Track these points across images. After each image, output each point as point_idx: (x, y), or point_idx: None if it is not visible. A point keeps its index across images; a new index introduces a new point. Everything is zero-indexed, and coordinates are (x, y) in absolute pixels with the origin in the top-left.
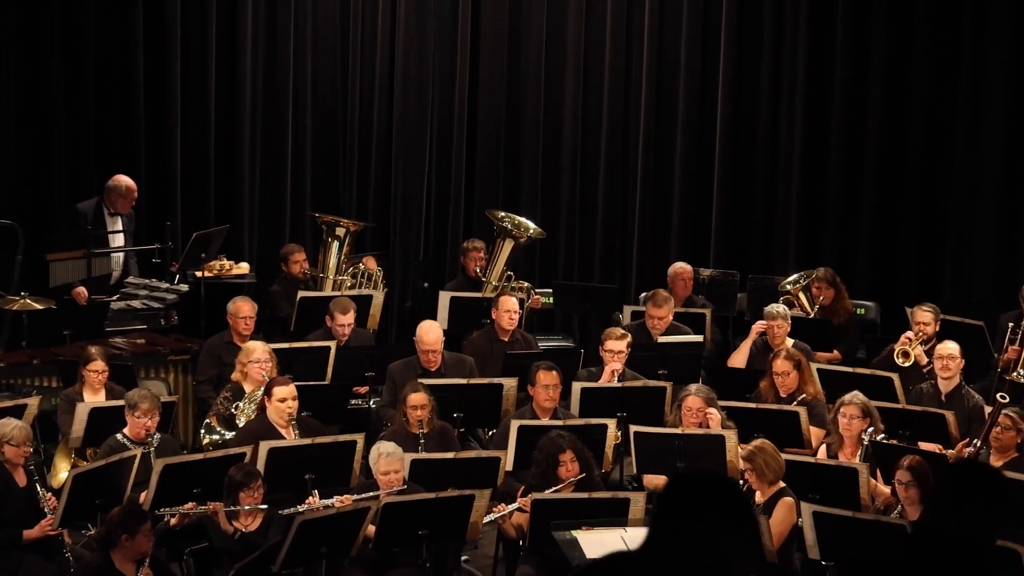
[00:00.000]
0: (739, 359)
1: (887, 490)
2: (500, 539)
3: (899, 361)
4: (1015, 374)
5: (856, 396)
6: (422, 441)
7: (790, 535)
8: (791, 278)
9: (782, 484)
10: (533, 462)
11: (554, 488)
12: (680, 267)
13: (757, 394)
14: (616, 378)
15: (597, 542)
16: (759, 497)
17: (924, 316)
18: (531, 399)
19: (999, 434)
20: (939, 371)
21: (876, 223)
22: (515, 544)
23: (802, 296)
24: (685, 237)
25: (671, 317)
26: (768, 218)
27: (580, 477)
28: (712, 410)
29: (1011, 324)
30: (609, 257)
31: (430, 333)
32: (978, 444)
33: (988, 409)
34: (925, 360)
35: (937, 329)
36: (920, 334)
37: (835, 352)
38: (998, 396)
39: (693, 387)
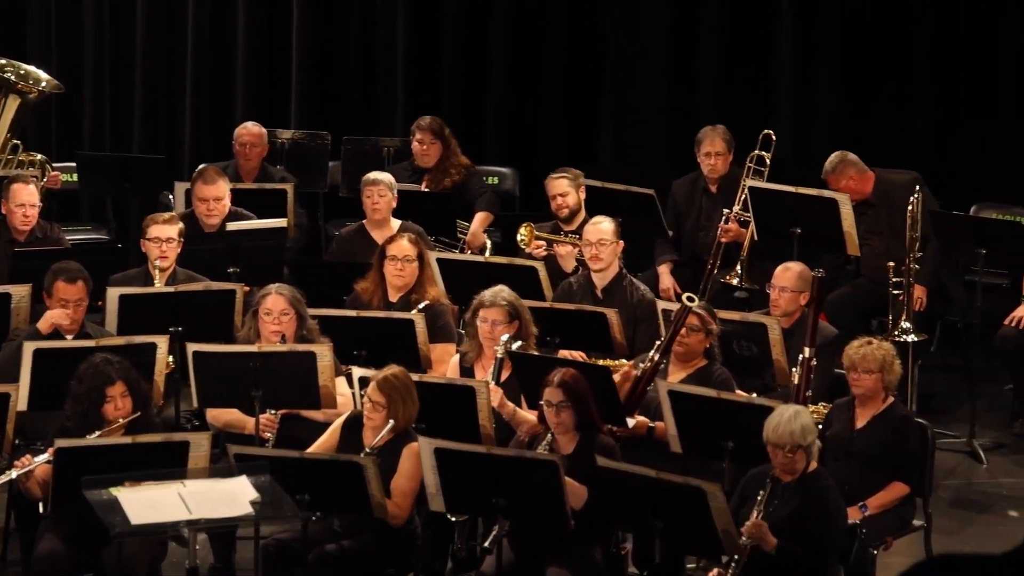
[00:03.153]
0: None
1: (531, 416)
2: (15, 503)
3: (528, 250)
4: (732, 275)
5: (499, 295)
6: None
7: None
8: None
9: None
10: (70, 396)
11: (99, 432)
12: (248, 129)
13: (355, 297)
14: (165, 280)
15: (146, 502)
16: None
17: (558, 185)
18: None
19: (683, 337)
20: (589, 260)
21: (510, 69)
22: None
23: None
24: (255, 91)
25: (228, 201)
26: (367, 65)
27: (134, 417)
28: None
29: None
30: (152, 118)
31: None
32: (655, 358)
33: (661, 305)
34: (568, 250)
35: (583, 197)
36: (563, 209)
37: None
38: (684, 297)
39: (273, 287)
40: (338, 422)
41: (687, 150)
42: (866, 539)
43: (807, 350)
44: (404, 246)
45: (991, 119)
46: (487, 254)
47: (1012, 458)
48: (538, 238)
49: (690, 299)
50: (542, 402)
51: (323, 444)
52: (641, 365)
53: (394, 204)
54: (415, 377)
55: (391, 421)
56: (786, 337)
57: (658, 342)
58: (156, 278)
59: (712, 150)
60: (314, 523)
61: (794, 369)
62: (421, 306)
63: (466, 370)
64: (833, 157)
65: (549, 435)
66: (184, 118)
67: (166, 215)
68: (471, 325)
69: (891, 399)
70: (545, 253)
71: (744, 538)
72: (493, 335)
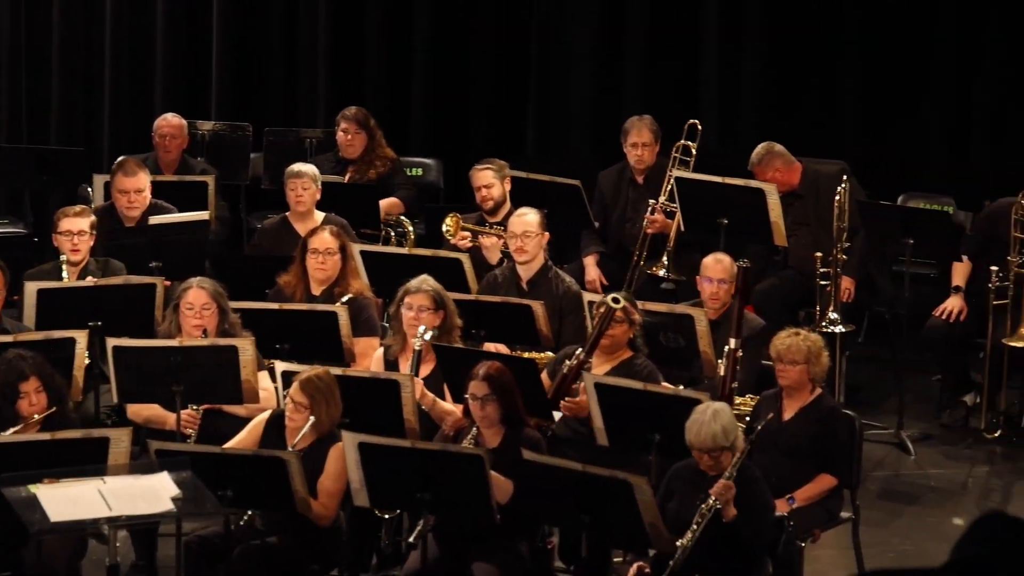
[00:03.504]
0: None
1: (453, 408)
2: None
3: (453, 241)
4: (658, 266)
5: (426, 282)
6: None
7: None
8: None
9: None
10: None
11: (13, 428)
12: (168, 121)
13: (277, 290)
14: (76, 274)
15: (65, 499)
16: (300, 441)
17: (483, 176)
18: None
19: (607, 329)
20: (514, 252)
21: (435, 59)
22: None
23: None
24: (174, 82)
25: (149, 193)
26: (288, 55)
27: (50, 413)
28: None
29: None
30: (70, 110)
31: None
32: (581, 356)
33: (587, 296)
34: (493, 242)
35: (508, 189)
36: (488, 201)
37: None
38: (609, 299)
39: (194, 281)
40: (260, 418)
41: (613, 140)
42: (794, 531)
43: (733, 341)
44: (326, 239)
45: (919, 109)
46: (407, 241)
47: (940, 449)
48: (463, 229)
49: (615, 300)
50: (467, 395)
51: (244, 440)
52: (567, 362)
53: (318, 196)
54: (338, 371)
55: (311, 419)
56: (713, 329)
57: (581, 347)
58: (65, 272)
59: (639, 141)
60: (236, 519)
61: (720, 361)
62: (344, 299)
63: (391, 364)
64: (759, 148)
65: (474, 429)
66: (103, 110)
67: (77, 208)
68: (395, 318)
69: (819, 391)
70: (470, 245)
71: (711, 500)
72: (419, 322)
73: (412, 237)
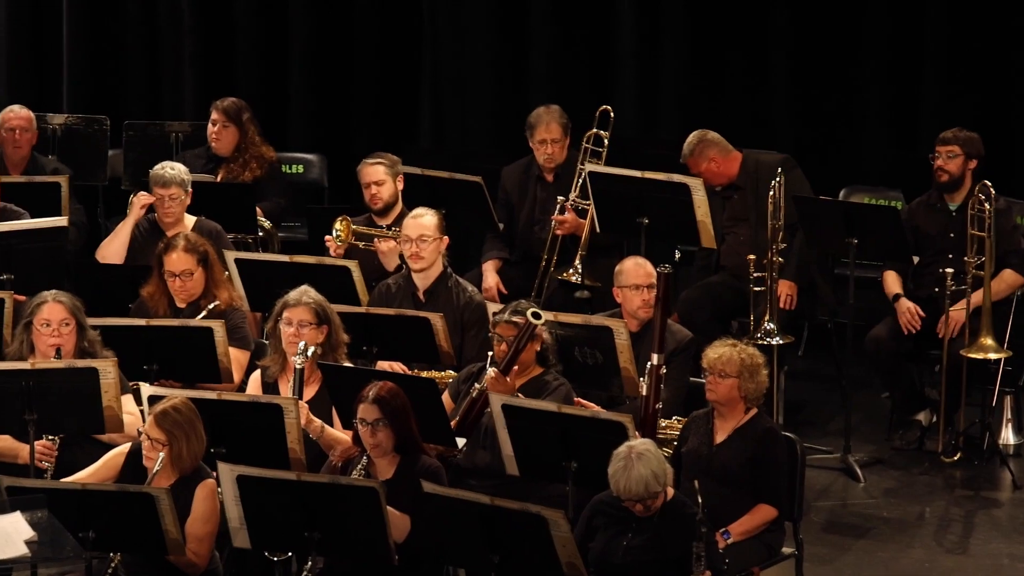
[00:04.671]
0: (114, 249)
1: (344, 436)
2: None
3: (335, 250)
4: (570, 272)
5: (307, 294)
6: None
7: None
8: None
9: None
10: None
11: None
12: (15, 113)
13: (140, 303)
14: None
15: None
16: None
17: (373, 172)
18: None
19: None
20: (409, 258)
21: (314, 42)
22: None
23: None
24: (19, 70)
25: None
26: (149, 39)
27: None
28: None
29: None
30: None
31: None
32: (492, 376)
33: (492, 306)
34: (391, 246)
35: (400, 188)
36: (378, 200)
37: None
38: (529, 314)
39: (49, 295)
40: (120, 450)
41: (518, 131)
42: (730, 569)
43: (655, 357)
44: (176, 260)
45: (858, 89)
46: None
47: (892, 475)
48: (356, 234)
49: (536, 316)
50: (356, 420)
51: (99, 472)
52: (476, 385)
53: (188, 202)
54: (212, 395)
55: (161, 455)
56: (635, 341)
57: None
58: None
59: (547, 136)
60: (100, 565)
61: (642, 379)
62: (211, 307)
63: (269, 386)
64: (691, 138)
65: (364, 458)
66: None
67: None
68: (273, 335)
69: (754, 411)
70: (341, 252)
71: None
72: (299, 339)
73: (277, 242)
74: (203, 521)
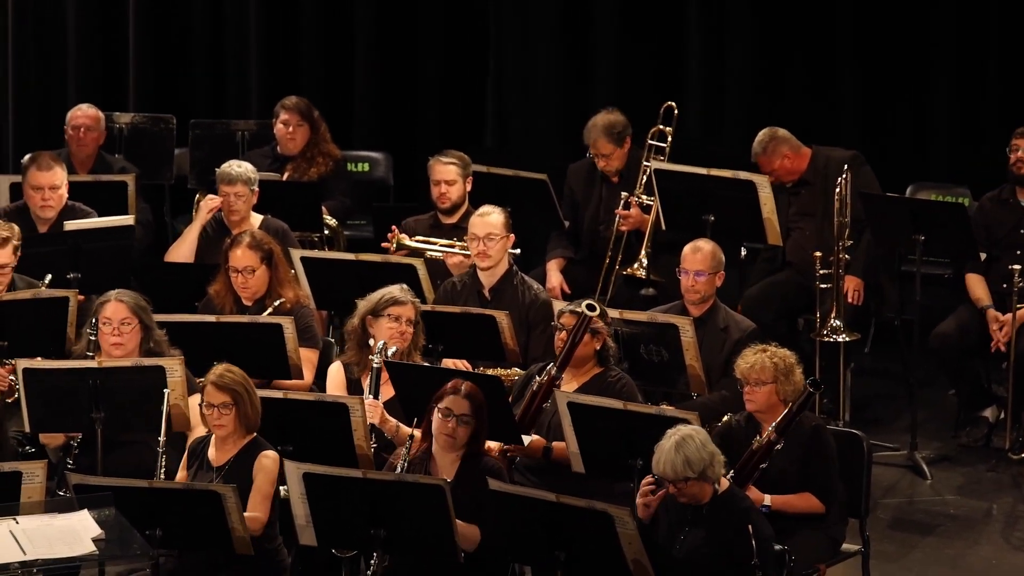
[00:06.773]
0: (183, 253)
1: (412, 432)
2: None
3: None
4: (636, 267)
5: (409, 292)
6: None
7: None
8: None
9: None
10: None
11: None
12: (83, 111)
13: (207, 301)
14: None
15: None
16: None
17: (445, 171)
18: None
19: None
20: (476, 256)
21: (380, 41)
22: None
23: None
24: (88, 70)
25: (66, 192)
26: (214, 39)
27: None
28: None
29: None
30: None
31: None
32: (552, 372)
33: (557, 305)
34: (458, 260)
35: (468, 189)
36: (446, 199)
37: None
38: (584, 306)
39: (112, 293)
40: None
41: (582, 130)
42: (795, 567)
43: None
44: (241, 256)
45: (926, 88)
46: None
47: (959, 472)
48: (404, 246)
49: (590, 307)
50: (439, 408)
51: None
52: (537, 378)
53: (255, 200)
54: (278, 395)
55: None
56: (697, 326)
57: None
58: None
59: (597, 152)
60: (167, 562)
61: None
62: (276, 304)
63: (354, 383)
64: (762, 135)
65: (402, 450)
66: (6, 102)
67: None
68: (355, 331)
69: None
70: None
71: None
72: (405, 335)
73: (343, 241)
74: (266, 484)
